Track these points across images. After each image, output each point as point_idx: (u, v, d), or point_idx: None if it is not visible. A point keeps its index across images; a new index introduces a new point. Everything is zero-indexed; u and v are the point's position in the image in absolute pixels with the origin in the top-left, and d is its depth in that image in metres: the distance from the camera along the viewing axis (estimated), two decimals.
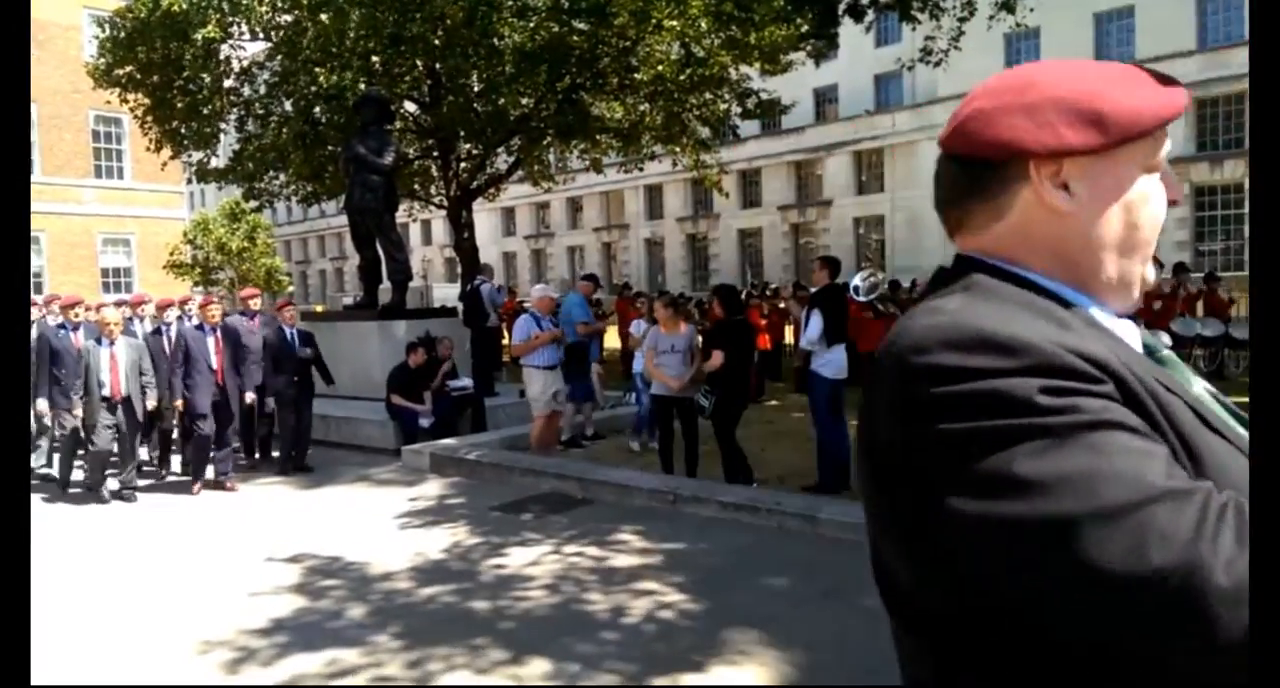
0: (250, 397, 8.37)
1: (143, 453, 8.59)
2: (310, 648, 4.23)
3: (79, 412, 7.43)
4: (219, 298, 9.30)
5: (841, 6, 10.04)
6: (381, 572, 5.37)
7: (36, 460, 8.61)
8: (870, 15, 10.78)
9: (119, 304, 9.13)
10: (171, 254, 30.07)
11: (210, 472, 8.00)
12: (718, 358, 6.79)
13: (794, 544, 5.60)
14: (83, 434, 7.69)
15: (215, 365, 7.94)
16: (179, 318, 8.87)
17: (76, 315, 8.51)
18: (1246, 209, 28.16)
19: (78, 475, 7.97)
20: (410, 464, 8.48)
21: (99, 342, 7.44)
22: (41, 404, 7.86)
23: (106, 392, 7.32)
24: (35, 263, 26.99)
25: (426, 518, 6.70)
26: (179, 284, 27.66)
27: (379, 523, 6.60)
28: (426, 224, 52.64)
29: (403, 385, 9.18)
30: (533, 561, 5.45)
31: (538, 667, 3.93)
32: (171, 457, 8.82)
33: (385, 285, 11.34)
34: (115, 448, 7.46)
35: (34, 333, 8.34)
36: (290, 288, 42.11)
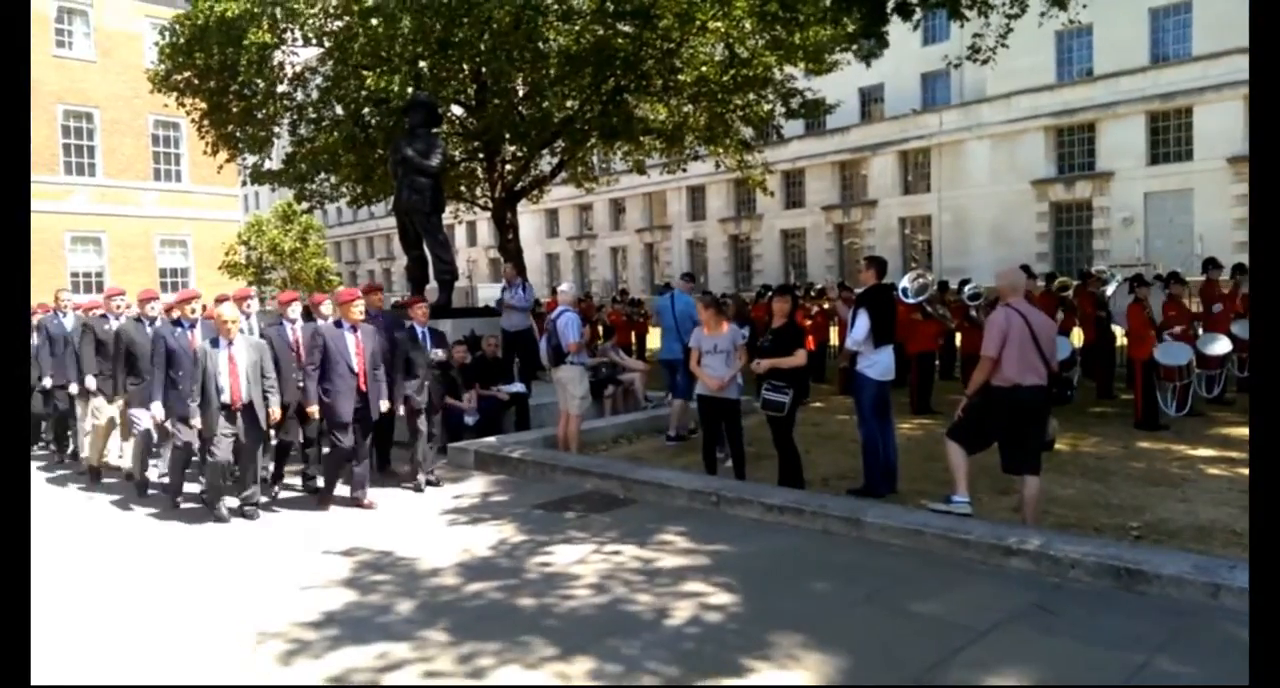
0: (384, 405, 7.32)
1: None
2: (361, 641, 4.32)
3: (196, 422, 6.70)
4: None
5: (890, 5, 9.92)
6: (429, 568, 5.45)
7: (160, 467, 8.03)
8: (918, 13, 10.62)
9: (220, 299, 7.92)
10: (226, 255, 30.85)
11: (346, 488, 7.23)
12: (801, 356, 6.85)
13: (838, 548, 5.57)
14: (196, 445, 7.06)
15: (357, 368, 7.03)
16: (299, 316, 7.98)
17: (193, 312, 7.63)
18: None
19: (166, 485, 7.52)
20: (455, 462, 8.58)
21: (215, 343, 6.69)
22: (156, 409, 7.21)
23: (226, 398, 6.60)
24: (96, 263, 27.87)
25: (471, 515, 6.78)
26: (234, 284, 28.26)
27: (425, 519, 6.69)
28: (472, 225, 53.22)
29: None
30: (578, 559, 5.49)
31: (583, 665, 3.96)
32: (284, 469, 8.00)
33: (432, 285, 11.50)
34: (234, 460, 6.80)
35: (149, 332, 7.69)
36: (340, 288, 42.84)
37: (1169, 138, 30.56)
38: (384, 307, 8.25)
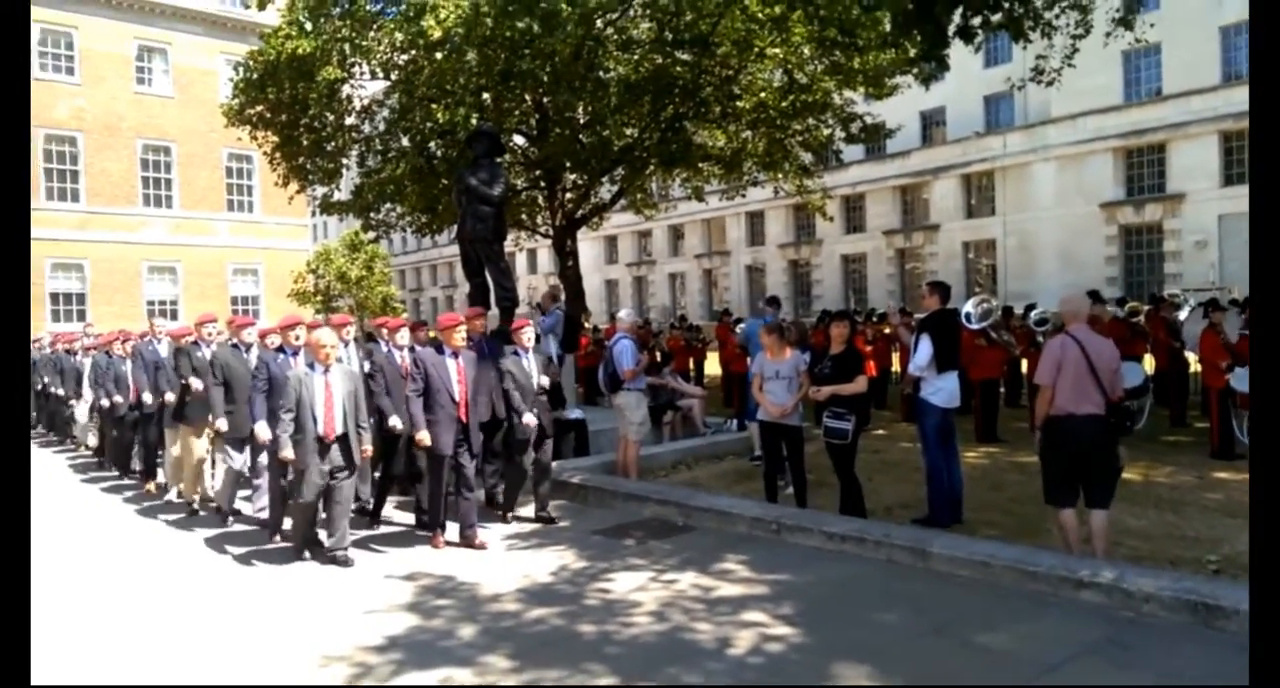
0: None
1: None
2: (424, 666, 4.36)
3: (289, 453, 6.14)
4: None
5: (952, 29, 9.84)
6: (490, 593, 5.49)
7: (256, 502, 7.81)
8: (980, 36, 10.50)
9: (313, 326, 7.60)
10: (296, 283, 31.78)
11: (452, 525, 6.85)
12: (862, 382, 6.81)
13: (903, 578, 5.46)
14: (285, 481, 6.62)
15: (459, 397, 6.72)
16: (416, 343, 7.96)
17: (296, 339, 7.35)
18: None
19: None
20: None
21: (312, 367, 6.35)
22: (261, 428, 6.84)
23: (321, 430, 6.17)
24: (171, 291, 28.98)
25: (532, 541, 6.82)
26: (303, 311, 29.10)
27: (487, 545, 6.75)
28: (532, 253, 53.94)
29: None
30: (638, 586, 5.48)
31: None
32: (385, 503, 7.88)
33: (493, 312, 11.66)
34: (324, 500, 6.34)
35: (252, 359, 7.65)
36: (405, 314, 43.80)
37: (1245, 158, 29.57)
38: (484, 332, 7.93)
